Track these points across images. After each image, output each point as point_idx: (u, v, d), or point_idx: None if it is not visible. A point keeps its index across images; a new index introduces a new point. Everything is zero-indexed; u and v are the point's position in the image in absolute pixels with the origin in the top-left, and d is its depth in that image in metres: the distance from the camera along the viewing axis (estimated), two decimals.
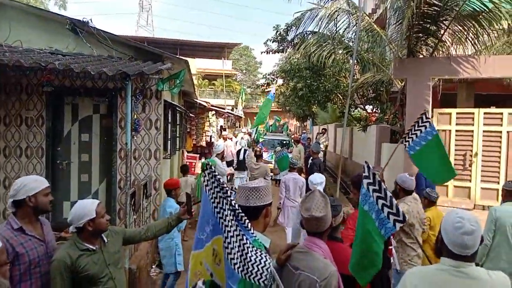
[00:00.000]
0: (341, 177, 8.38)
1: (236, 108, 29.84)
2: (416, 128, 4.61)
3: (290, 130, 30.67)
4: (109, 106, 6.59)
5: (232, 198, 2.06)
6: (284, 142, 15.82)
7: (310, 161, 8.82)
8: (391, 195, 2.38)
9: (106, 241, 2.77)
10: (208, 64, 33.37)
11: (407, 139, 4.67)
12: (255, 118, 13.20)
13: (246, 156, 9.89)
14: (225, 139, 13.76)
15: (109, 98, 6.49)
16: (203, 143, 15.51)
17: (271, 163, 10.57)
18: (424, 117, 4.58)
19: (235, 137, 15.27)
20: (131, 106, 5.56)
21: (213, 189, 2.13)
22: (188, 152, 13.18)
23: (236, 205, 2.06)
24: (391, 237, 2.72)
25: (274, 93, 9.89)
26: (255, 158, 9.02)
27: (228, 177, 11.53)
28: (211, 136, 16.69)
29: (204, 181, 2.19)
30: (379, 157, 10.06)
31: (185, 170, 8.26)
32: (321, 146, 13.62)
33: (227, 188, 2.09)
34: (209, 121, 16.45)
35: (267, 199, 2.31)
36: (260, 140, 14.32)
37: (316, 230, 2.35)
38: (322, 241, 2.36)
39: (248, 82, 49.47)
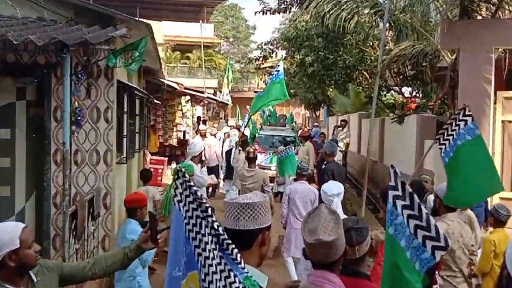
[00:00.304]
0: (368, 188, 8.42)
1: (220, 92, 29.94)
2: (454, 126, 4.68)
3: (295, 123, 30.79)
4: (39, 90, 6.56)
5: (214, 219, 2.06)
6: (288, 139, 15.93)
7: (324, 165, 9.12)
8: (427, 211, 2.39)
9: (35, 280, 2.77)
10: (180, 29, 33.43)
11: (442, 141, 4.73)
12: (249, 105, 13.04)
13: (232, 159, 9.97)
14: (203, 135, 13.84)
15: (39, 79, 6.47)
16: (174, 142, 15.56)
17: (271, 169, 10.64)
18: (463, 112, 4.67)
19: (219, 132, 15.34)
20: (70, 89, 5.55)
21: (187, 206, 2.13)
22: (152, 154, 13.20)
23: (220, 229, 2.06)
24: (436, 272, 2.72)
25: (282, 71, 9.51)
26: (247, 162, 9.12)
27: (210, 190, 11.57)
28: (184, 131, 16.77)
29: (175, 195, 2.19)
30: (422, 160, 10.12)
31: (146, 177, 8.30)
32: (340, 144, 13.67)
33: (207, 205, 2.08)
34: (181, 110, 16.48)
35: (265, 220, 2.31)
36: (256, 135, 14.34)
37: (325, 260, 2.37)
38: (335, 275, 2.38)
39: (237, 55, 49.66)
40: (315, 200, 7.16)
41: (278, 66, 9.63)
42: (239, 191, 9.11)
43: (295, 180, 7.62)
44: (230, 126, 17.09)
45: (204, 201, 2.10)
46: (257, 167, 9.18)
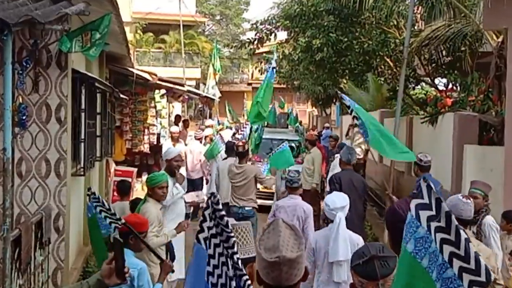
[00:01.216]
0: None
1: (205, 84, 29.93)
2: None
3: (300, 123, 30.86)
4: None
5: (237, 256, 2.39)
6: (292, 144, 16.06)
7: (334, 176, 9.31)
8: (467, 237, 2.45)
9: None
10: (153, 5, 33.40)
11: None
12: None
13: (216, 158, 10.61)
14: (175, 140, 13.82)
15: None
16: (145, 148, 15.52)
17: (271, 180, 10.74)
18: None
19: (204, 132, 15.26)
20: (12, 81, 5.52)
21: (211, 243, 2.49)
22: (117, 163, 13.16)
23: (243, 268, 2.44)
24: None
25: (275, 68, 9.95)
26: (237, 158, 9.66)
27: (192, 210, 11.53)
28: (159, 134, 16.73)
29: (201, 229, 2.46)
30: (461, 168, 10.12)
31: (124, 190, 8.46)
32: (358, 151, 13.64)
33: (234, 239, 2.41)
34: (155, 107, 16.46)
35: (248, 248, 2.56)
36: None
37: (287, 283, 2.50)
38: None
39: (225, 38, 49.66)
40: (306, 219, 7.39)
41: (272, 59, 10.20)
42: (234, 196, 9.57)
43: (287, 191, 7.81)
44: (208, 126, 16.82)
45: (231, 234, 2.39)
46: (249, 164, 9.79)
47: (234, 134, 16.65)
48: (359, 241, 5.83)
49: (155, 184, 6.48)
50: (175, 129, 14.56)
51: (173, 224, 6.82)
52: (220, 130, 18.67)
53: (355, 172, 9.42)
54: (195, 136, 14.63)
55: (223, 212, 2.46)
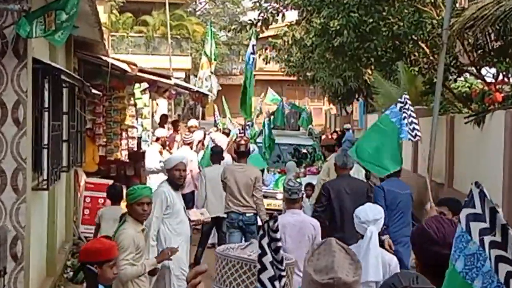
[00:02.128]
0: None
1: (197, 77, 29.85)
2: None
3: (312, 125, 30.76)
4: None
5: None
6: (303, 150, 16.13)
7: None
8: None
9: None
10: None
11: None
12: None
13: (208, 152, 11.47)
14: (163, 145, 13.87)
15: None
16: (123, 155, 15.44)
17: (276, 197, 10.82)
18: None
19: (193, 135, 15.21)
20: None
21: None
22: (88, 174, 13.13)
23: None
24: None
25: (254, 53, 11.20)
26: (237, 157, 10.50)
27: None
28: (140, 138, 16.62)
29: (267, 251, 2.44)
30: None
31: (116, 195, 9.04)
32: None
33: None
34: (135, 105, 16.40)
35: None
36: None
37: None
38: None
39: (222, 19, 49.76)
40: (316, 236, 7.38)
41: (251, 43, 11.51)
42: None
43: (286, 207, 7.98)
44: (191, 127, 16.89)
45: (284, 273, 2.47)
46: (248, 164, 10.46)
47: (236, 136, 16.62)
48: (392, 262, 5.94)
49: (134, 200, 6.44)
50: (161, 132, 14.54)
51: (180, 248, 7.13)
52: (216, 130, 18.72)
53: (356, 179, 9.66)
54: (183, 141, 14.55)
55: (280, 244, 2.45)
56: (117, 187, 9.45)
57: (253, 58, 11.86)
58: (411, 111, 8.81)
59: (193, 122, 18.43)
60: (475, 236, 2.52)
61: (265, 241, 2.43)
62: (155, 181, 10.72)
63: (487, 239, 2.49)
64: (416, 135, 8.76)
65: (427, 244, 3.46)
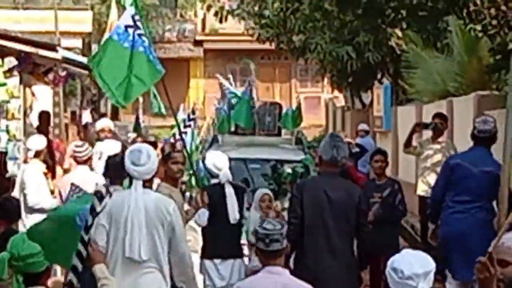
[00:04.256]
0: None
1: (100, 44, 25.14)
2: None
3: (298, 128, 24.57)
4: None
5: None
6: (289, 169, 13.23)
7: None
8: None
9: None
10: None
11: None
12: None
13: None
14: (46, 161, 12.01)
15: None
16: None
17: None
18: None
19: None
20: None
21: None
22: None
23: None
24: None
25: (139, 24, 9.68)
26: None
27: None
28: (4, 154, 14.29)
29: None
30: None
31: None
32: (433, 178, 11.66)
33: None
34: None
35: None
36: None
37: None
38: None
39: None
40: None
41: None
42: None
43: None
44: (101, 131, 14.32)
45: None
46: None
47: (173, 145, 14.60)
48: None
49: None
50: (41, 142, 11.81)
51: None
52: (137, 137, 16.53)
53: (344, 179, 8.68)
54: (75, 158, 11.62)
55: None
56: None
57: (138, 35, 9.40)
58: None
59: (104, 123, 15.70)
60: None
61: None
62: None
63: None
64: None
65: None
